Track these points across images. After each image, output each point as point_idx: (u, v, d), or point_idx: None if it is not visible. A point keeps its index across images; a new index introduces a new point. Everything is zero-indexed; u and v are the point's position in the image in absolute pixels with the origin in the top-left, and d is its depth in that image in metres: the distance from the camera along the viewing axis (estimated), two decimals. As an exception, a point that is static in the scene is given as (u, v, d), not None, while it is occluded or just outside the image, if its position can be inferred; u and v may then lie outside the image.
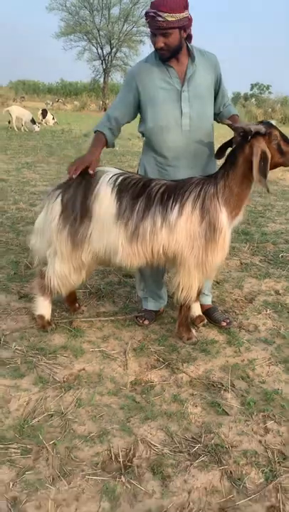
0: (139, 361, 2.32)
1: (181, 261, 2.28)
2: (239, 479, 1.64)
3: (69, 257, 2.33)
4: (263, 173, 2.10)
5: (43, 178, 6.71)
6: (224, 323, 2.71)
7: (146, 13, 2.17)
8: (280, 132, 2.19)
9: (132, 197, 2.21)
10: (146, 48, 32.93)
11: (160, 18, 2.10)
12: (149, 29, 2.24)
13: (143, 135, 2.50)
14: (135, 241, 2.21)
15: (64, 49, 31.71)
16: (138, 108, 2.41)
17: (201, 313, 2.73)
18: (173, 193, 2.22)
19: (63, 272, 2.38)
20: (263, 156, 2.10)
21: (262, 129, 2.11)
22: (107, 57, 30.65)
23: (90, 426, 1.85)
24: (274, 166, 2.25)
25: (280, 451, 1.78)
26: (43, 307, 2.53)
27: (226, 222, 2.24)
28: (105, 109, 26.25)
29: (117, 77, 32.26)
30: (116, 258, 2.26)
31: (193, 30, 2.31)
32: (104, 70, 31.11)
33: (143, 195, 2.21)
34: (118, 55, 30.93)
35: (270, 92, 58.70)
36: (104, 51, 30.54)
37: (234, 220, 2.32)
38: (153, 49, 2.33)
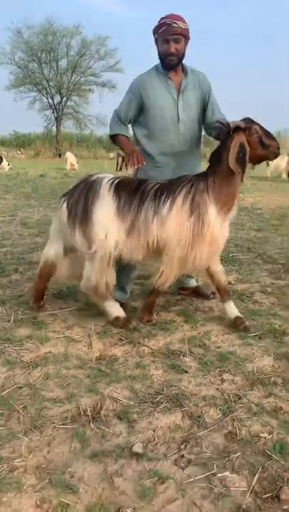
0: (102, 341, 2.45)
1: (168, 251, 2.43)
2: (199, 417, 1.78)
3: (95, 256, 2.43)
4: (241, 164, 2.33)
5: (1, 211, 6.83)
6: (212, 295, 3.07)
7: (162, 23, 2.58)
8: (261, 127, 2.41)
9: (128, 194, 2.42)
10: (96, 96, 34.12)
11: (175, 25, 2.54)
12: (160, 38, 2.61)
13: (137, 143, 2.86)
14: (132, 235, 2.40)
15: (15, 100, 32.44)
16: (138, 112, 2.76)
17: (239, 315, 2.67)
18: (166, 189, 2.42)
19: (98, 269, 2.46)
20: (241, 148, 2.32)
21: (241, 124, 2.35)
22: (58, 107, 31.65)
23: (58, 392, 1.95)
24: (258, 159, 2.46)
25: (236, 394, 1.95)
26: (114, 308, 2.62)
27: (214, 216, 2.41)
28: (60, 155, 26.86)
29: (69, 125, 33.26)
30: (118, 252, 2.44)
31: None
32: (56, 118, 32.02)
33: (138, 192, 2.42)
34: (69, 103, 32.04)
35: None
36: (54, 101, 31.58)
37: (227, 215, 2.48)
38: (152, 65, 2.78)
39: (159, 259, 2.52)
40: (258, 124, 2.41)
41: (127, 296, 3.01)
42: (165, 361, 2.23)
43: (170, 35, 2.56)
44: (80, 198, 2.46)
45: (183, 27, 2.57)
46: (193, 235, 2.38)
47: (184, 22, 2.59)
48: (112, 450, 1.57)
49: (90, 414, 1.78)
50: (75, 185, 2.60)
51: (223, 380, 2.06)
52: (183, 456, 1.56)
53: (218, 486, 1.42)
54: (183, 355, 2.28)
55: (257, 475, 1.46)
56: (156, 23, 2.64)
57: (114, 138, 2.85)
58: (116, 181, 2.46)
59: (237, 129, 2.35)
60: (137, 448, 1.56)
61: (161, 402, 1.86)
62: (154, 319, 2.69)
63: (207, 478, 1.45)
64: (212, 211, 2.40)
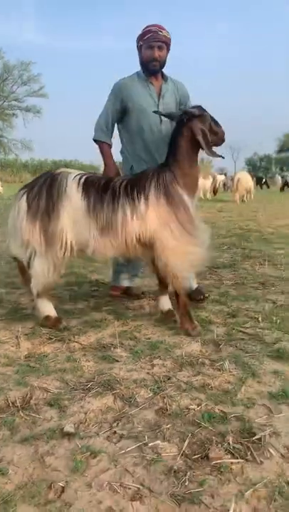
0: (31, 341, 2.40)
1: (165, 250, 2.38)
2: (130, 397, 1.80)
3: (47, 254, 2.37)
4: (209, 146, 2.45)
5: None
6: (142, 295, 3.21)
7: (148, 30, 2.71)
8: (210, 115, 2.53)
9: (98, 192, 2.38)
10: (20, 121, 33.92)
11: (161, 33, 2.72)
12: (144, 44, 2.76)
13: (122, 152, 3.03)
14: (107, 233, 2.35)
15: None
16: (122, 114, 2.90)
17: (171, 308, 2.76)
18: (136, 185, 2.42)
19: (44, 269, 2.40)
20: (204, 133, 2.44)
21: (196, 111, 2.47)
22: (-19, 131, 30.91)
23: (-16, 388, 1.88)
24: (212, 144, 2.51)
25: (166, 375, 1.99)
26: (46, 307, 2.55)
27: (189, 201, 2.46)
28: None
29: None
30: (89, 251, 2.40)
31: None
32: (-21, 143, 31.22)
33: (108, 190, 2.39)
34: (-8, 128, 31.41)
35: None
36: (-23, 125, 30.82)
37: (194, 199, 2.55)
38: (135, 71, 2.94)
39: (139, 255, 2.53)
40: (207, 112, 2.52)
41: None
42: (96, 354, 2.24)
43: (155, 42, 2.72)
44: (42, 192, 2.38)
45: (167, 36, 2.75)
46: (180, 222, 2.39)
47: (167, 32, 2.75)
48: (43, 433, 1.54)
49: (19, 404, 1.73)
50: (35, 179, 2.52)
51: (153, 365, 2.10)
52: (115, 432, 1.57)
53: (150, 454, 1.44)
54: (114, 348, 2.30)
55: (187, 441, 1.50)
56: (140, 32, 2.78)
57: (97, 143, 2.96)
58: (83, 178, 2.43)
59: (192, 116, 2.46)
60: (69, 428, 1.55)
61: (93, 388, 1.86)
62: (198, 325, 2.52)
63: (139, 448, 1.47)
64: (185, 195, 2.45)
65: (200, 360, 2.14)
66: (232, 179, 14.37)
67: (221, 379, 1.95)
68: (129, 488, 1.28)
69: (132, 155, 3.00)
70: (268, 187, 28.40)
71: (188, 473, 1.34)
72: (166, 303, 2.75)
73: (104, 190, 2.39)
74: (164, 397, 1.79)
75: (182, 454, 1.43)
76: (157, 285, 2.84)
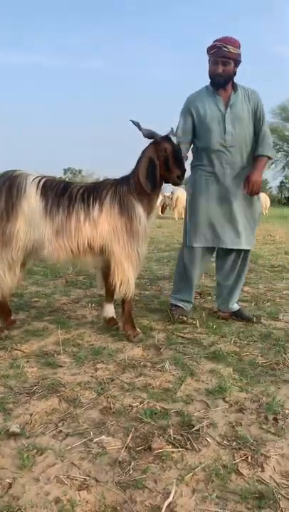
0: (-28, 350, 2.37)
1: (113, 257, 2.45)
2: (75, 399, 1.85)
3: (1, 255, 2.34)
4: (150, 176, 2.45)
5: None
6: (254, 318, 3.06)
7: (214, 45, 2.70)
8: (175, 150, 2.47)
9: (56, 195, 2.38)
10: None
11: (225, 49, 2.69)
12: (211, 58, 2.76)
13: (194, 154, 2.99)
14: (61, 236, 2.36)
15: None
16: (194, 130, 2.90)
17: (114, 316, 2.84)
18: (92, 193, 2.44)
19: (6, 269, 2.37)
20: (150, 161, 2.46)
21: (157, 136, 2.47)
22: None
23: None
24: (163, 178, 2.53)
25: (109, 377, 2.06)
26: None
27: (143, 214, 2.49)
28: None
29: None
30: (43, 252, 2.39)
31: None
32: None
33: (65, 194, 2.40)
34: None
35: (82, 176, 63.70)
36: None
37: (149, 218, 2.57)
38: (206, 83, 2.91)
39: (85, 261, 2.55)
40: (171, 145, 2.48)
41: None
42: (39, 360, 2.26)
43: (219, 58, 2.72)
44: (2, 193, 2.36)
45: (233, 51, 2.71)
46: (127, 231, 2.44)
47: (236, 47, 2.71)
48: (-12, 435, 1.55)
49: None
50: None
51: (96, 369, 2.16)
52: (61, 431, 1.61)
53: (95, 448, 1.50)
54: (57, 354, 2.33)
55: (130, 435, 1.58)
56: (210, 44, 2.77)
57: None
58: (42, 180, 2.44)
59: (154, 141, 2.49)
60: (14, 428, 1.57)
61: (37, 392, 1.89)
62: (140, 333, 2.62)
63: (85, 444, 1.52)
64: (139, 208, 2.49)
65: (142, 362, 2.24)
66: (171, 197, 14.78)
67: (162, 379, 2.05)
68: (76, 480, 1.34)
69: (195, 171, 2.98)
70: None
71: (132, 463, 1.42)
72: (109, 310, 2.83)
73: (62, 194, 2.44)
74: (108, 397, 1.86)
75: (126, 447, 1.51)
76: (104, 293, 2.90)
